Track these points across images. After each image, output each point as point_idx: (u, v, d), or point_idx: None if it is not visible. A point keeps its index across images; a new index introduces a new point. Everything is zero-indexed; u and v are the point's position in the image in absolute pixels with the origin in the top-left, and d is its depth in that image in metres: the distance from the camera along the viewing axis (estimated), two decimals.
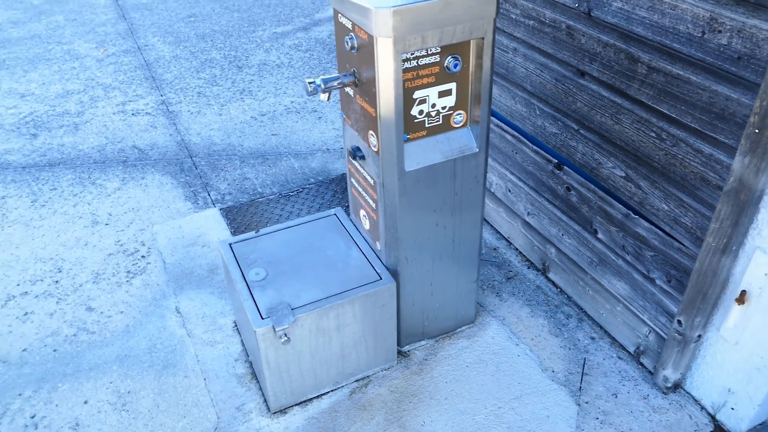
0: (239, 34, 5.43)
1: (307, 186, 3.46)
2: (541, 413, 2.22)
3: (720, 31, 1.72)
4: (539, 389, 2.30)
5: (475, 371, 2.37)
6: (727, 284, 1.98)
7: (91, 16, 5.91)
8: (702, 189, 1.93)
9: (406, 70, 1.85)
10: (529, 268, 2.87)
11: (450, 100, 2.00)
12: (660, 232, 2.12)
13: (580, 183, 2.41)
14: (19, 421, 2.26)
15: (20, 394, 2.35)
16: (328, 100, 2.00)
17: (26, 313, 2.71)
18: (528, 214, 2.78)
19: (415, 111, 1.95)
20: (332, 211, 2.51)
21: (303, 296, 2.11)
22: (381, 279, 2.18)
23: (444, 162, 2.05)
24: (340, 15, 1.95)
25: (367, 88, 1.92)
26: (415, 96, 1.92)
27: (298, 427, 2.18)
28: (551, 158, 2.52)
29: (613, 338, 2.50)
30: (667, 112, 1.96)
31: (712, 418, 2.20)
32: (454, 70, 1.93)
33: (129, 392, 2.35)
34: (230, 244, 2.36)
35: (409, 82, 1.88)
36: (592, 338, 2.52)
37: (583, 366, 2.40)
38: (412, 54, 1.84)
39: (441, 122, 2.03)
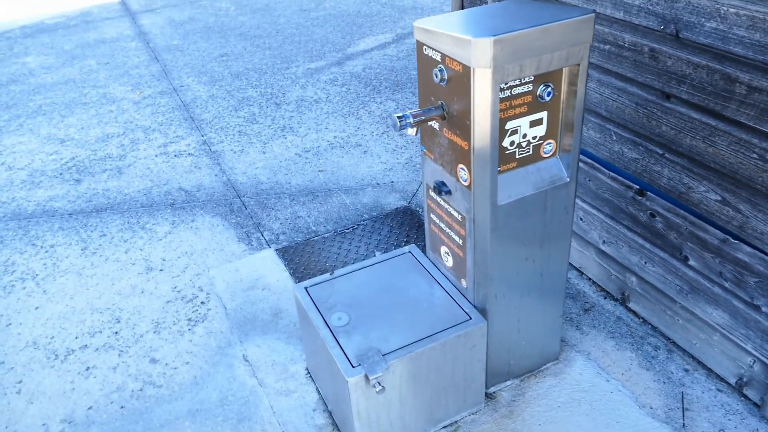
0: (273, 72, 5.41)
1: (362, 222, 3.37)
2: None
3: None
4: (640, 427, 2.17)
5: (569, 411, 2.24)
6: None
7: (124, 59, 5.92)
8: None
9: (500, 101, 1.78)
10: (605, 298, 2.75)
11: (541, 130, 1.92)
12: (766, 257, 2.00)
13: (666, 209, 2.30)
14: None
15: None
16: (416, 134, 1.92)
17: (88, 368, 2.62)
18: (603, 242, 2.67)
19: (506, 142, 1.87)
20: (406, 248, 2.41)
21: (392, 341, 2.01)
22: (471, 319, 2.07)
23: (535, 194, 1.96)
24: (425, 47, 1.88)
25: (457, 120, 1.84)
26: (507, 127, 1.84)
27: None
28: (631, 184, 2.42)
29: (709, 369, 2.37)
30: None
31: None
32: (547, 98, 1.85)
33: None
34: (306, 288, 2.27)
35: (503, 112, 1.80)
36: (686, 370, 2.39)
37: (683, 400, 2.26)
38: (506, 84, 1.76)
39: (531, 152, 1.94)
